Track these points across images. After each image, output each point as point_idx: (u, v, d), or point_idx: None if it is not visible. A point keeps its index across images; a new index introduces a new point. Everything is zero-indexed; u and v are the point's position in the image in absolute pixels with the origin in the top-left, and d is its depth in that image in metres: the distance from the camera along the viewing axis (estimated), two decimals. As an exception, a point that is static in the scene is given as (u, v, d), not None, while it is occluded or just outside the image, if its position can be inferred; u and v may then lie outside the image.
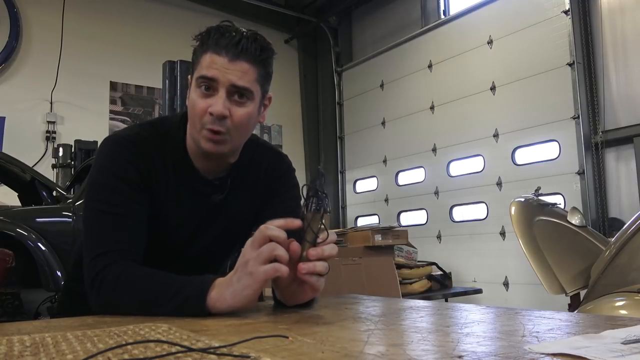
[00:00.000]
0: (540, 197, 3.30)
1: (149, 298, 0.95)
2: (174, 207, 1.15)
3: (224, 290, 0.91)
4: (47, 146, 6.00)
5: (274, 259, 0.88)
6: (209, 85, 1.06)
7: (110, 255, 1.02)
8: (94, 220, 1.08)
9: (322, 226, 0.90)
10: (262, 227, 0.91)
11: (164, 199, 1.14)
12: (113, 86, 6.61)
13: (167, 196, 1.14)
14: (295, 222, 0.91)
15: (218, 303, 0.90)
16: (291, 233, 0.92)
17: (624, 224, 2.81)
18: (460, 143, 5.92)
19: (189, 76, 1.13)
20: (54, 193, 3.65)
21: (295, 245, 0.91)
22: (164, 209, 1.14)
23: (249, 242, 0.92)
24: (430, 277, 4.17)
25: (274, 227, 0.90)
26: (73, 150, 5.47)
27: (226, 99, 1.05)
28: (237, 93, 1.06)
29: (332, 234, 0.93)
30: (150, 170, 1.11)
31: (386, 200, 6.87)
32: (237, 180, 1.21)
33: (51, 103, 6.11)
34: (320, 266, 0.90)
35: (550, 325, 0.76)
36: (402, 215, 6.71)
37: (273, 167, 1.26)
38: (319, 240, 0.90)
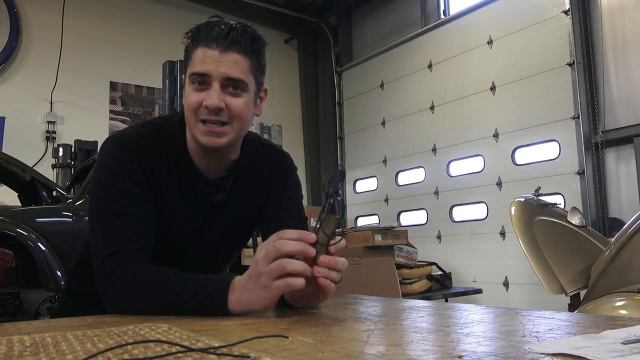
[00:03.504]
0: (540, 197, 3.29)
1: (168, 297, 0.94)
2: (176, 206, 1.14)
3: (242, 294, 0.90)
4: (47, 146, 6.00)
5: (287, 273, 0.86)
6: (203, 80, 1.05)
7: (122, 254, 1.01)
8: (101, 220, 1.06)
9: (335, 230, 0.87)
10: (276, 243, 0.87)
11: (167, 198, 1.13)
12: (113, 86, 6.61)
13: (170, 196, 1.13)
14: (310, 236, 0.88)
15: (237, 306, 0.90)
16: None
17: (624, 224, 2.81)
18: (460, 143, 5.91)
19: (183, 75, 1.13)
20: (54, 193, 3.65)
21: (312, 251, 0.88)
22: (166, 208, 1.13)
23: (261, 253, 0.89)
24: (430, 277, 4.17)
25: (288, 242, 0.87)
26: (73, 150, 5.46)
27: (220, 91, 1.04)
28: (232, 85, 1.06)
29: (342, 241, 0.90)
30: (153, 169, 1.11)
31: (386, 200, 6.87)
32: (239, 179, 1.20)
33: (51, 103, 6.11)
34: (335, 275, 0.88)
35: (550, 325, 0.76)
36: (402, 215, 6.71)
37: (275, 166, 1.25)
38: (331, 243, 0.88)
